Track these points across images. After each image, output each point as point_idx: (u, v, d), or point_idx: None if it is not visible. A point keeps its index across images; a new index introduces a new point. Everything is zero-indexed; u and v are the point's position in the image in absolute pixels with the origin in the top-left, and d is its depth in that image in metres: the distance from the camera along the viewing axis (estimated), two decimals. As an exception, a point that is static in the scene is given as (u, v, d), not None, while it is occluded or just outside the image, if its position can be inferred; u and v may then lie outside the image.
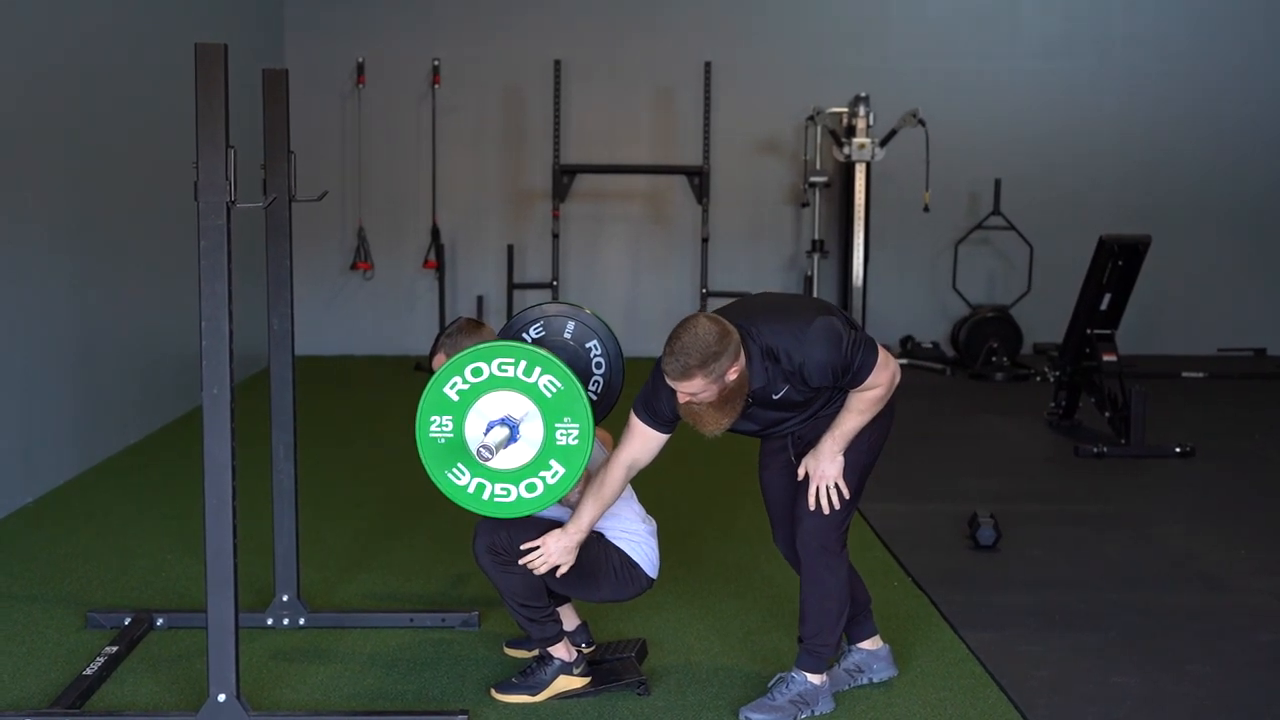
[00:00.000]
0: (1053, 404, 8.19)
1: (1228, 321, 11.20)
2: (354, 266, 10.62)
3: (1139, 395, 7.27)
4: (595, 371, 3.94)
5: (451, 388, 3.57)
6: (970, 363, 10.20)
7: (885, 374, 3.65)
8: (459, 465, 3.59)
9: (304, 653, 4.25)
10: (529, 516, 3.78)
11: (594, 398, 3.86)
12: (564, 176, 10.50)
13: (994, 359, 10.10)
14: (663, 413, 3.67)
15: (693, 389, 3.50)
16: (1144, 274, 7.82)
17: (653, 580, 3.94)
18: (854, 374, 3.60)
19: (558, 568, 3.70)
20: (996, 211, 10.43)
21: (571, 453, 3.58)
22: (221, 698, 3.52)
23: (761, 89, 10.79)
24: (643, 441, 3.72)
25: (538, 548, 3.69)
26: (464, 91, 10.67)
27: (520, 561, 3.70)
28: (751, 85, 10.77)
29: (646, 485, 6.52)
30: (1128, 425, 7.30)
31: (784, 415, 3.74)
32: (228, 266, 3.42)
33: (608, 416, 3.98)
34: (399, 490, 6.41)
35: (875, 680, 4.03)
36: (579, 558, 3.75)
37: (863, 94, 9.96)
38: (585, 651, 4.06)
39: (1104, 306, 7.77)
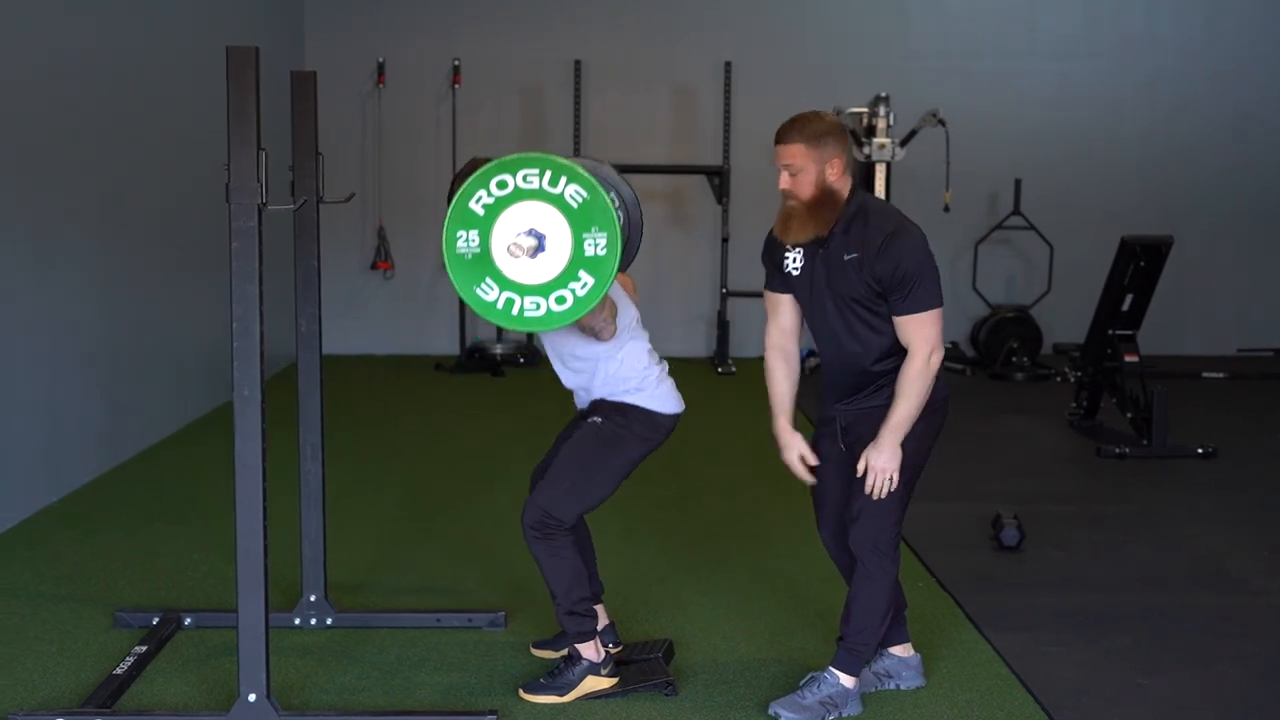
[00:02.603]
0: (1074, 404, 8.17)
1: (1248, 322, 11.17)
2: (374, 266, 10.65)
3: (1160, 396, 7.26)
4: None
5: (477, 202, 3.50)
6: (990, 363, 10.19)
7: (929, 329, 3.66)
8: (487, 280, 3.51)
9: (332, 653, 4.27)
10: (582, 474, 3.85)
11: None
12: (584, 176, 10.49)
13: (1014, 359, 10.08)
14: (774, 260, 3.84)
15: (792, 156, 3.63)
16: (1163, 273, 7.80)
17: (678, 414, 4.00)
18: (906, 296, 3.64)
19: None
20: (1017, 211, 10.42)
21: (600, 263, 3.50)
22: (252, 698, 3.54)
23: (781, 89, 10.77)
24: (774, 306, 3.94)
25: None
26: (484, 91, 10.68)
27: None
28: (771, 85, 10.77)
29: (673, 486, 6.56)
30: (1149, 426, 7.29)
31: (833, 313, 3.76)
32: (259, 268, 3.44)
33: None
34: (422, 490, 6.43)
35: (903, 688, 4.03)
36: (602, 438, 3.87)
37: (883, 94, 9.93)
38: (612, 652, 4.07)
39: (1125, 307, 7.76)
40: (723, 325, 10.39)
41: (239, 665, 3.54)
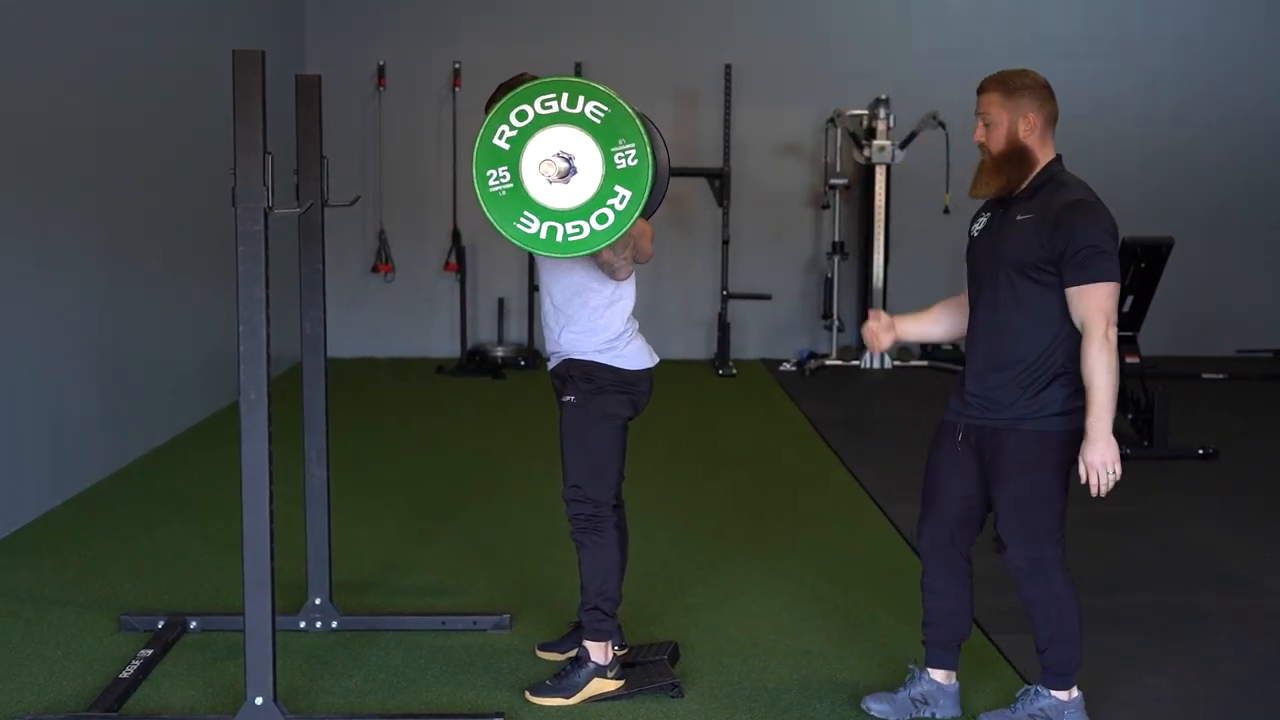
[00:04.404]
0: (1076, 405, 8.16)
1: (1247, 322, 11.19)
2: (375, 269, 10.66)
3: (1162, 398, 7.26)
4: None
5: (500, 137, 3.50)
6: (991, 364, 10.17)
7: (1104, 300, 3.55)
8: (525, 214, 3.51)
9: (338, 656, 4.27)
10: (588, 450, 3.88)
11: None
12: (584, 179, 10.49)
13: (1014, 360, 10.07)
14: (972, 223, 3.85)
15: (987, 106, 3.64)
16: (1163, 274, 7.79)
17: (648, 369, 3.98)
18: (1083, 265, 3.54)
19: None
20: (1017, 213, 10.41)
21: (634, 174, 3.50)
22: (259, 701, 3.53)
23: (782, 92, 10.80)
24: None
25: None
26: (485, 94, 10.44)
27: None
28: (772, 88, 10.78)
29: (676, 488, 6.54)
30: (1151, 427, 7.29)
31: (998, 281, 3.68)
32: (265, 272, 3.44)
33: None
34: (426, 493, 6.44)
35: (938, 716, 3.87)
36: (584, 412, 3.87)
37: (883, 96, 9.97)
38: (618, 654, 4.07)
39: (1126, 308, 7.76)
40: (723, 327, 10.39)
41: (246, 668, 3.54)
